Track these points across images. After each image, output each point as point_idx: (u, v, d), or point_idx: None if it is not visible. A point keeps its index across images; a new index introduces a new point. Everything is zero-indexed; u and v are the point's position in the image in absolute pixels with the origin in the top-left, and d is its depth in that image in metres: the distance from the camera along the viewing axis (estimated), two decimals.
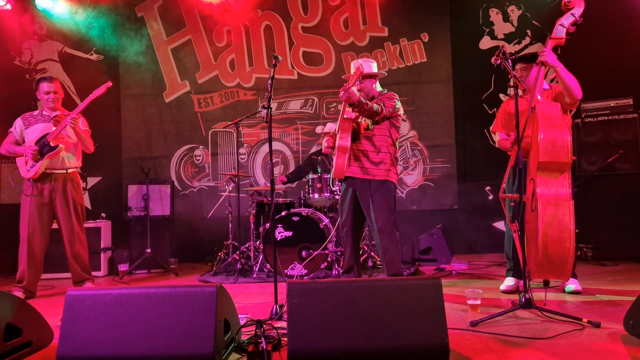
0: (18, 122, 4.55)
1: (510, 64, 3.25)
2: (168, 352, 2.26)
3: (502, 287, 3.96)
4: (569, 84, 3.44)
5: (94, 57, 6.72)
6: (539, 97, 3.35)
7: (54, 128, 4.38)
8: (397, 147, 4.03)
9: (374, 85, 4.04)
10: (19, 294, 4.24)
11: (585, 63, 5.60)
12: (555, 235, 2.97)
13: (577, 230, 3.08)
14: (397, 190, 6.41)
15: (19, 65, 6.69)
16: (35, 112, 4.62)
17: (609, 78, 5.67)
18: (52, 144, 4.34)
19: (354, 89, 3.59)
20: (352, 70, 4.03)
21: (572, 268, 3.08)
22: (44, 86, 4.51)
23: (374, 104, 3.77)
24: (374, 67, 4.06)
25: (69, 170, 4.53)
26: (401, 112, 4.00)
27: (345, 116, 3.81)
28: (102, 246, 5.76)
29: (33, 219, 4.39)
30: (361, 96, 4.02)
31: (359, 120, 3.93)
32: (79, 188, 4.62)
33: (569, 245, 2.98)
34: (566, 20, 3.33)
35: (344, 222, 4.07)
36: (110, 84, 4.46)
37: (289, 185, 6.33)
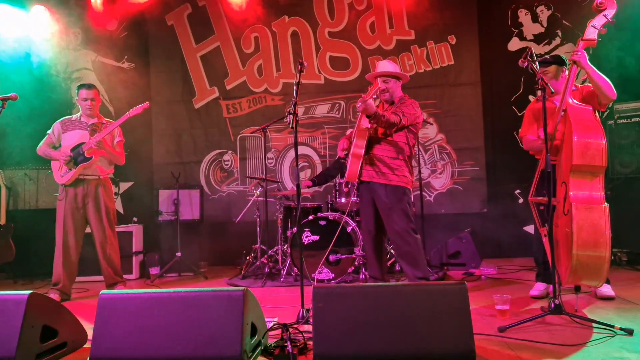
0: (57, 126, 4.70)
1: (538, 66, 3.21)
2: (196, 354, 2.31)
3: (532, 292, 3.90)
4: (602, 85, 3.38)
5: (125, 65, 6.89)
6: (570, 100, 3.29)
7: (90, 134, 4.53)
8: (414, 153, 4.03)
9: (398, 86, 4.07)
10: (55, 296, 4.38)
11: (619, 63, 5.47)
12: (590, 240, 2.92)
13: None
14: (425, 194, 6.36)
15: (54, 74, 6.91)
16: (74, 118, 4.76)
17: None
18: (86, 155, 4.48)
19: (371, 101, 3.64)
20: (379, 69, 4.07)
21: (606, 273, 3.01)
22: (83, 93, 4.67)
23: (392, 115, 3.78)
24: (393, 68, 4.09)
25: (101, 176, 4.66)
26: (421, 119, 3.99)
27: (362, 126, 3.85)
28: (133, 250, 5.89)
29: (67, 223, 4.53)
30: (385, 97, 4.06)
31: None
32: (110, 193, 4.74)
33: (604, 250, 2.92)
34: (598, 21, 3.26)
35: (366, 229, 4.09)
36: (147, 105, 4.60)
37: (316, 189, 6.36)
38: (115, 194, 6.54)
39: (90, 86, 4.72)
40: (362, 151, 3.86)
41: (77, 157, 4.51)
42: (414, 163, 4.24)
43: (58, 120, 4.73)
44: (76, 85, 4.77)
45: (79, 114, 4.78)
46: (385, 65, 4.10)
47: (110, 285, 4.65)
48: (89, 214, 4.59)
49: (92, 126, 4.65)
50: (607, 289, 3.68)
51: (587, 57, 3.33)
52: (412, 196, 4.04)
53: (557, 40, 6.31)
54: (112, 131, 4.68)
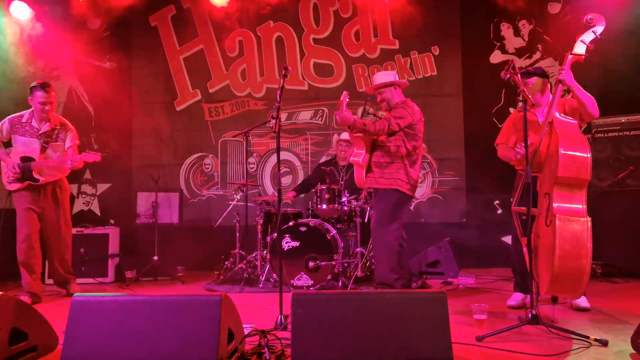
0: (5, 125, 4.46)
1: (520, 79, 3.24)
2: None
3: (509, 302, 3.92)
4: (586, 103, 3.42)
5: (107, 65, 6.79)
6: (557, 114, 3.33)
7: (41, 151, 4.40)
8: (416, 155, 4.04)
9: (394, 94, 4.17)
10: (26, 298, 4.27)
11: (597, 78, 5.57)
12: (572, 252, 2.95)
13: None
14: None
15: (32, 71, 6.78)
16: (24, 119, 4.48)
17: (620, 94, 5.63)
18: (34, 175, 4.36)
19: (348, 113, 3.78)
20: (373, 82, 4.20)
21: (585, 286, 3.04)
22: (39, 96, 4.38)
23: (378, 123, 3.89)
24: (386, 77, 4.19)
25: (56, 178, 4.56)
26: (410, 119, 4.00)
27: (355, 134, 3.95)
28: (110, 252, 5.79)
29: (28, 224, 4.43)
30: (383, 106, 4.24)
31: None
32: (66, 192, 4.69)
33: (585, 263, 2.95)
34: (587, 37, 3.30)
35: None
36: (99, 158, 4.41)
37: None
38: (93, 195, 6.43)
39: (47, 89, 4.39)
40: (360, 159, 4.00)
41: (24, 172, 4.35)
42: None
43: (7, 118, 4.48)
44: (41, 84, 4.41)
45: (28, 114, 4.49)
46: (377, 78, 4.22)
47: (62, 283, 4.65)
48: (46, 214, 4.50)
49: (44, 136, 4.44)
50: (582, 301, 3.72)
51: (572, 75, 3.37)
52: (406, 200, 4.06)
53: (538, 55, 6.41)
54: (63, 138, 4.55)
